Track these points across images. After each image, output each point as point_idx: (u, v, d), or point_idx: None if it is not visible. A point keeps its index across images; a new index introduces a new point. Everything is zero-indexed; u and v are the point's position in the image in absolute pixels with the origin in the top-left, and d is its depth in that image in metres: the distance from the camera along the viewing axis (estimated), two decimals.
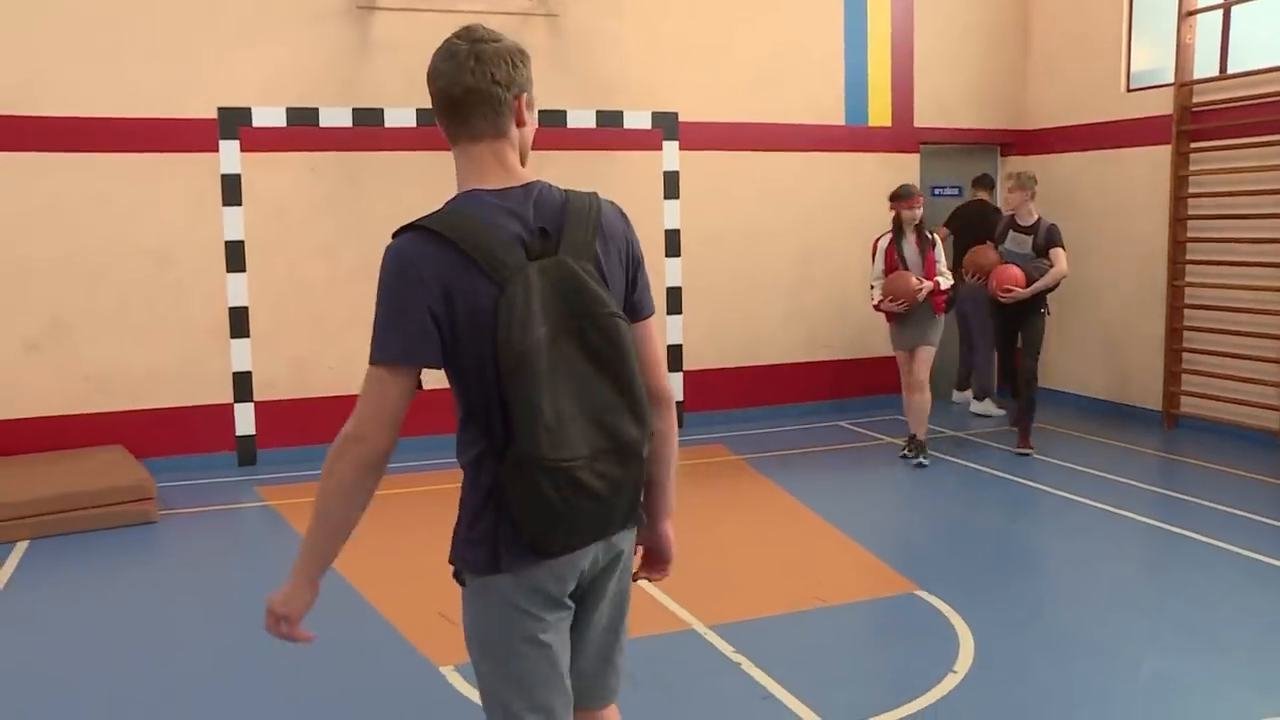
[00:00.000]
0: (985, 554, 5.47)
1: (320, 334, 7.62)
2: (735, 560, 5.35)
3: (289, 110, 7.40)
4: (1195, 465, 7.25)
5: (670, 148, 8.40)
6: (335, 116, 7.51)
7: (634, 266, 2.07)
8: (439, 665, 4.09)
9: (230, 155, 7.29)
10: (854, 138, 8.97)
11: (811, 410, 8.96)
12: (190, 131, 7.18)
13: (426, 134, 7.67)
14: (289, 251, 7.50)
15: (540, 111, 7.85)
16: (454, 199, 2.00)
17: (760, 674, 3.99)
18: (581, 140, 8.14)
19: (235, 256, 7.36)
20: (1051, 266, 7.22)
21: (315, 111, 7.46)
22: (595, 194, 2.06)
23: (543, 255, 1.92)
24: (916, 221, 7.26)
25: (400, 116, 7.63)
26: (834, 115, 8.91)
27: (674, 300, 8.52)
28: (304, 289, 7.55)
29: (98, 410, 7.14)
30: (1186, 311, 8.35)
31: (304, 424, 7.59)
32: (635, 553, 2.23)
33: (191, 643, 4.45)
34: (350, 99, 7.53)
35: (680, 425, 8.61)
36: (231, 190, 7.32)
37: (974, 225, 8.61)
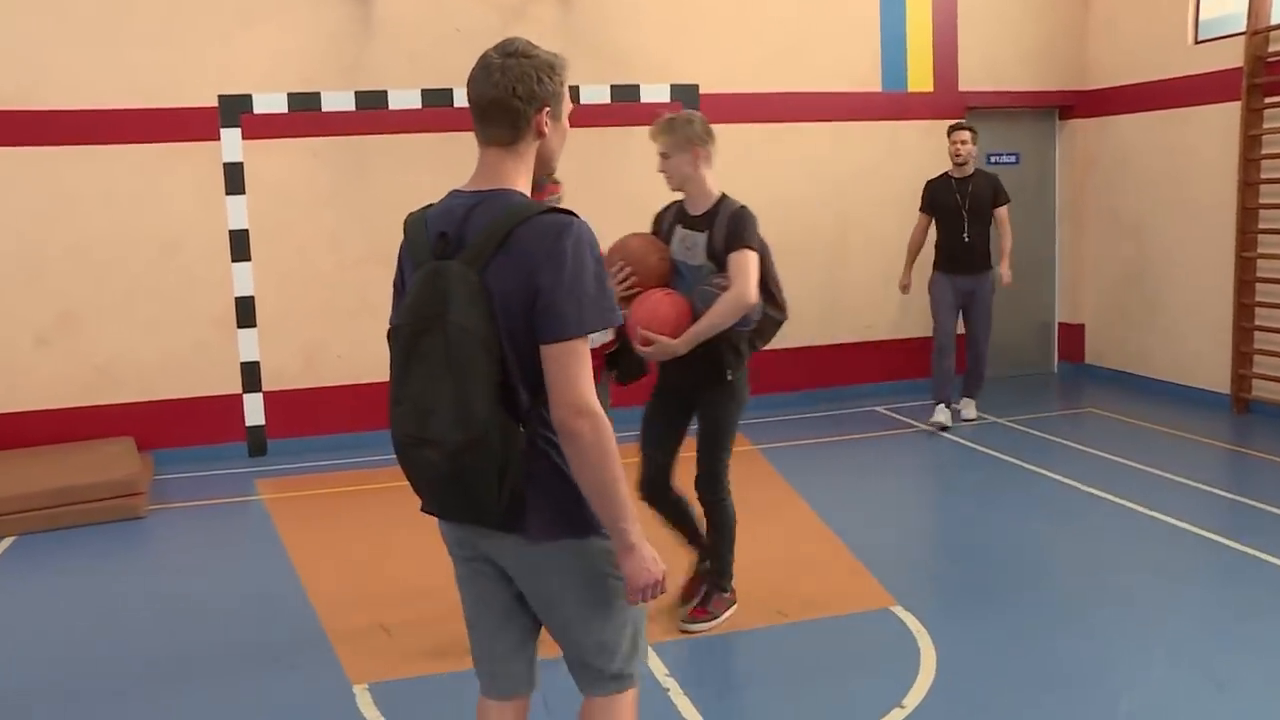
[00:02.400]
0: (986, 564, 4.99)
1: (329, 322, 7.50)
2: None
3: (290, 96, 7.25)
4: (1265, 459, 6.57)
5: None
6: (338, 100, 7.34)
7: (534, 289, 2.07)
8: (354, 683, 3.89)
9: (232, 143, 7.19)
10: (892, 105, 8.43)
11: (846, 394, 8.49)
12: (192, 120, 7.10)
13: (432, 115, 7.46)
14: (294, 239, 7.39)
15: None
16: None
17: (684, 702, 3.67)
18: (595, 116, 7.80)
19: (240, 245, 7.28)
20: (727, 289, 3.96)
21: (317, 96, 7.30)
22: (538, 212, 2.11)
23: (441, 257, 2.12)
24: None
25: (404, 98, 7.42)
26: (870, 81, 8.38)
27: None
28: (311, 277, 7.44)
29: (108, 402, 7.16)
30: (1258, 286, 7.62)
31: (314, 413, 7.51)
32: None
33: (126, 645, 4.35)
34: (353, 82, 7.35)
35: None
36: (234, 179, 7.23)
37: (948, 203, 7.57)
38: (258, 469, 7.19)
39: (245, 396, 7.42)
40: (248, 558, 5.51)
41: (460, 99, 7.46)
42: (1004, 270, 7.42)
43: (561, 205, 2.41)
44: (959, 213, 7.35)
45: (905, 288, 7.67)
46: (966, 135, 7.32)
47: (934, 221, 7.52)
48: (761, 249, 4.05)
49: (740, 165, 8.06)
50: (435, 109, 7.46)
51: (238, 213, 7.26)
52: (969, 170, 7.39)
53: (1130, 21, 8.49)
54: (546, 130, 2.19)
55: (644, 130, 8.19)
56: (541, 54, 2.18)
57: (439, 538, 2.43)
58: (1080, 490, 5.96)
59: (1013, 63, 8.71)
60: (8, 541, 5.80)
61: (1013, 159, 9.06)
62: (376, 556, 5.31)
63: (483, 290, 2.07)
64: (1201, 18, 8.03)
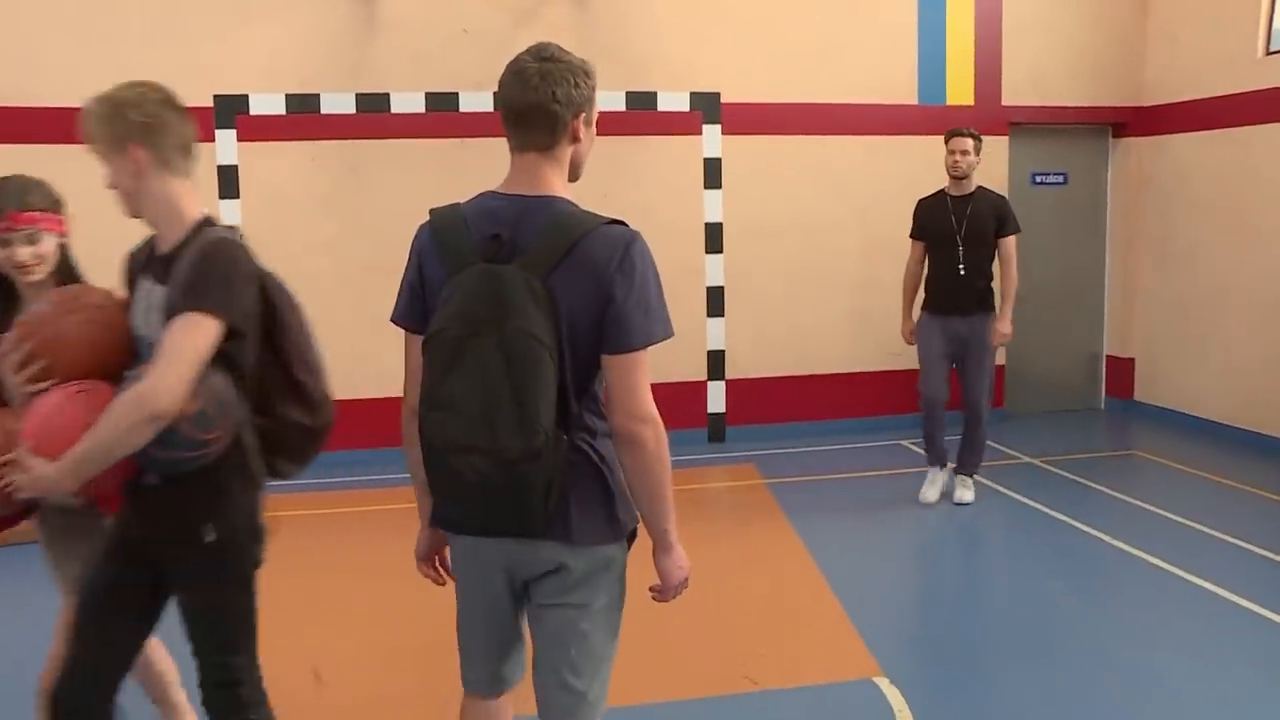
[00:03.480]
0: (989, 630, 4.47)
1: (325, 335, 7.08)
2: (671, 619, 4.54)
3: (288, 96, 6.97)
4: None
5: (711, 132, 7.57)
6: (338, 102, 7.04)
7: (605, 300, 2.08)
8: None
9: (226, 145, 6.93)
10: (929, 119, 7.89)
11: (872, 426, 7.97)
12: None
13: (435, 120, 7.13)
14: (290, 246, 6.99)
15: None
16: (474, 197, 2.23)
17: None
18: (610, 125, 7.24)
19: None
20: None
21: (316, 98, 7.01)
22: (602, 224, 2.13)
23: (494, 260, 2.07)
24: None
25: (407, 101, 7.10)
26: (905, 93, 7.87)
27: (715, 302, 7.71)
28: (306, 286, 6.95)
29: None
30: None
31: None
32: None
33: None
34: (354, 83, 7.04)
35: (720, 440, 7.85)
36: (228, 182, 6.96)
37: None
38: None
39: None
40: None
41: (467, 103, 7.13)
42: (1001, 325, 5.94)
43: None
44: (952, 239, 5.96)
45: (910, 336, 6.23)
46: (968, 144, 5.99)
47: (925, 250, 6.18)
48: (264, 305, 2.54)
49: (763, 181, 7.64)
50: (440, 113, 7.13)
51: (231, 218, 6.98)
52: (969, 187, 6.03)
53: (1193, 32, 7.88)
54: (582, 136, 2.21)
55: (662, 141, 7.92)
56: (574, 59, 2.18)
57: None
58: (1112, 546, 5.38)
59: (1062, 76, 8.14)
60: None
61: (1060, 179, 8.48)
62: (337, 591, 4.95)
63: (549, 297, 2.05)
64: (1274, 27, 7.40)
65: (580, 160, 2.28)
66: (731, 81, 7.57)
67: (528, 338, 2.02)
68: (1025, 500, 6.23)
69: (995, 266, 6.05)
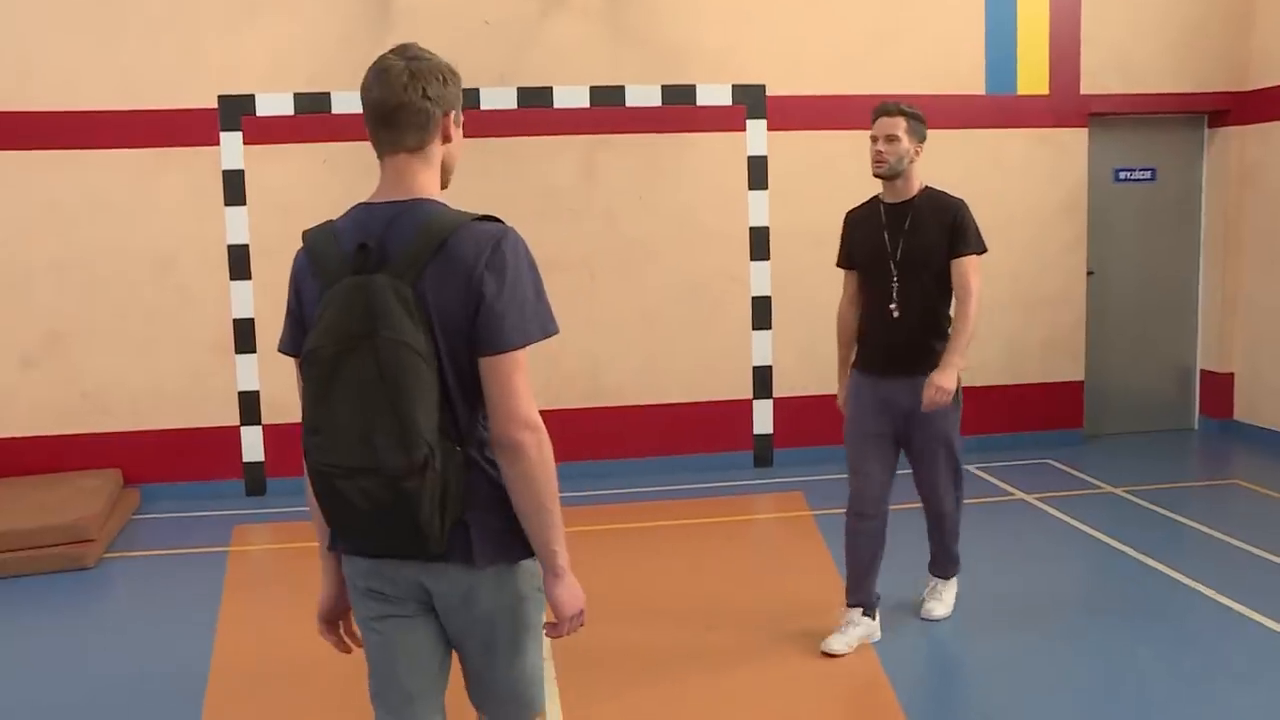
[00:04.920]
0: (1041, 697, 3.77)
1: None
2: (681, 668, 3.94)
3: (297, 96, 6.50)
4: None
5: (756, 128, 6.93)
6: (350, 102, 6.53)
7: (476, 300, 2.00)
8: None
9: (232, 148, 6.49)
10: (998, 110, 7.16)
11: None
12: (188, 123, 6.42)
13: None
14: None
15: (593, 87, 6.46)
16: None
17: None
18: (644, 121, 6.82)
19: (239, 262, 6.55)
20: None
21: (327, 97, 6.53)
22: (471, 220, 2.05)
23: (362, 271, 1.98)
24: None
25: None
26: (970, 83, 7.12)
27: (761, 313, 7.06)
28: None
29: (96, 430, 6.54)
30: None
31: None
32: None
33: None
34: None
35: (768, 464, 7.19)
36: (234, 188, 6.51)
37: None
38: (252, 511, 6.44)
39: (243, 429, 6.68)
40: (171, 624, 4.73)
41: (489, 100, 6.62)
42: (938, 376, 3.97)
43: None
44: (884, 265, 4.10)
45: (844, 405, 4.36)
46: (898, 124, 4.01)
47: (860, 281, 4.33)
48: None
49: (813, 179, 6.97)
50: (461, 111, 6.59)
51: (237, 226, 6.54)
52: (908, 190, 4.11)
53: None
54: (453, 135, 2.16)
55: (701, 138, 7.28)
56: (440, 59, 2.13)
57: None
58: (1213, 601, 4.60)
59: (1151, 59, 7.32)
60: None
61: (1147, 175, 7.66)
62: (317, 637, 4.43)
63: (418, 303, 1.97)
64: None
65: (452, 163, 2.20)
66: (778, 72, 6.92)
67: (399, 346, 1.93)
68: (1106, 539, 5.47)
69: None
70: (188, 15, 6.37)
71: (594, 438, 6.99)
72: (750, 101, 6.90)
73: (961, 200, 4.11)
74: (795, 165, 6.99)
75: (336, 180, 6.61)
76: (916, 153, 4.07)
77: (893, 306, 4.08)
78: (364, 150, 6.86)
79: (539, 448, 2.02)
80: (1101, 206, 7.51)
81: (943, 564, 4.56)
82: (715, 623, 4.54)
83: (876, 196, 4.22)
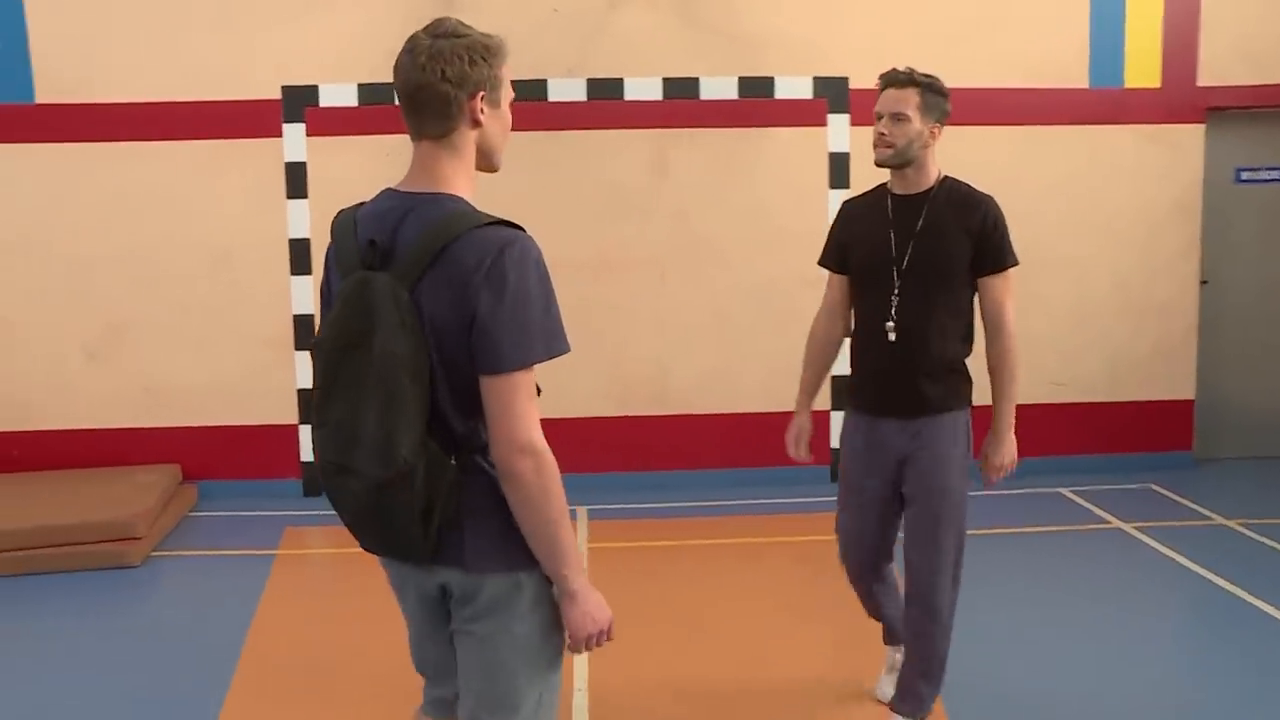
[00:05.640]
0: None
1: None
2: (723, 707, 3.60)
3: (360, 87, 6.33)
4: None
5: (838, 122, 6.52)
6: None
7: (470, 314, 1.88)
8: None
9: (295, 140, 6.35)
10: (1102, 105, 6.60)
11: (1028, 469, 6.64)
12: (250, 114, 6.30)
13: (521, 111, 6.22)
14: None
15: (666, 79, 6.03)
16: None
17: None
18: (719, 115, 6.48)
19: (300, 257, 6.41)
20: None
21: (390, 87, 6.33)
22: (480, 225, 1.90)
23: (371, 267, 1.93)
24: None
25: None
26: (1073, 75, 6.59)
27: None
28: None
29: (156, 424, 6.47)
30: None
31: None
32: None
33: None
34: None
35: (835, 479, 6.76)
36: (296, 180, 6.38)
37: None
38: (307, 511, 6.29)
39: (301, 428, 6.54)
40: (202, 626, 4.60)
41: (557, 92, 6.38)
42: (994, 453, 3.34)
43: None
44: (886, 272, 3.23)
45: (796, 443, 3.55)
46: (908, 98, 3.16)
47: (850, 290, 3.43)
48: None
49: None
50: (526, 103, 6.22)
51: (299, 219, 6.40)
52: (923, 179, 3.26)
53: None
54: (483, 119, 2.00)
55: (779, 134, 6.90)
56: (475, 34, 2.00)
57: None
58: None
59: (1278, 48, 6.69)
60: None
61: (1274, 176, 7.00)
62: (349, 644, 4.23)
63: (413, 310, 1.89)
64: None
65: (490, 148, 2.05)
66: (862, 64, 6.44)
67: (389, 357, 1.88)
68: (1214, 577, 4.93)
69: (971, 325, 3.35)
70: (252, 5, 6.25)
71: (659, 447, 6.68)
72: (832, 94, 6.49)
73: (990, 197, 3.25)
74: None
75: (398, 173, 6.43)
76: (933, 135, 3.19)
77: (889, 325, 3.17)
78: None
79: (537, 473, 1.90)
80: (1219, 209, 6.89)
81: (913, 697, 3.33)
82: (769, 656, 4.19)
83: (884, 185, 3.32)
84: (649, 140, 6.49)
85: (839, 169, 6.55)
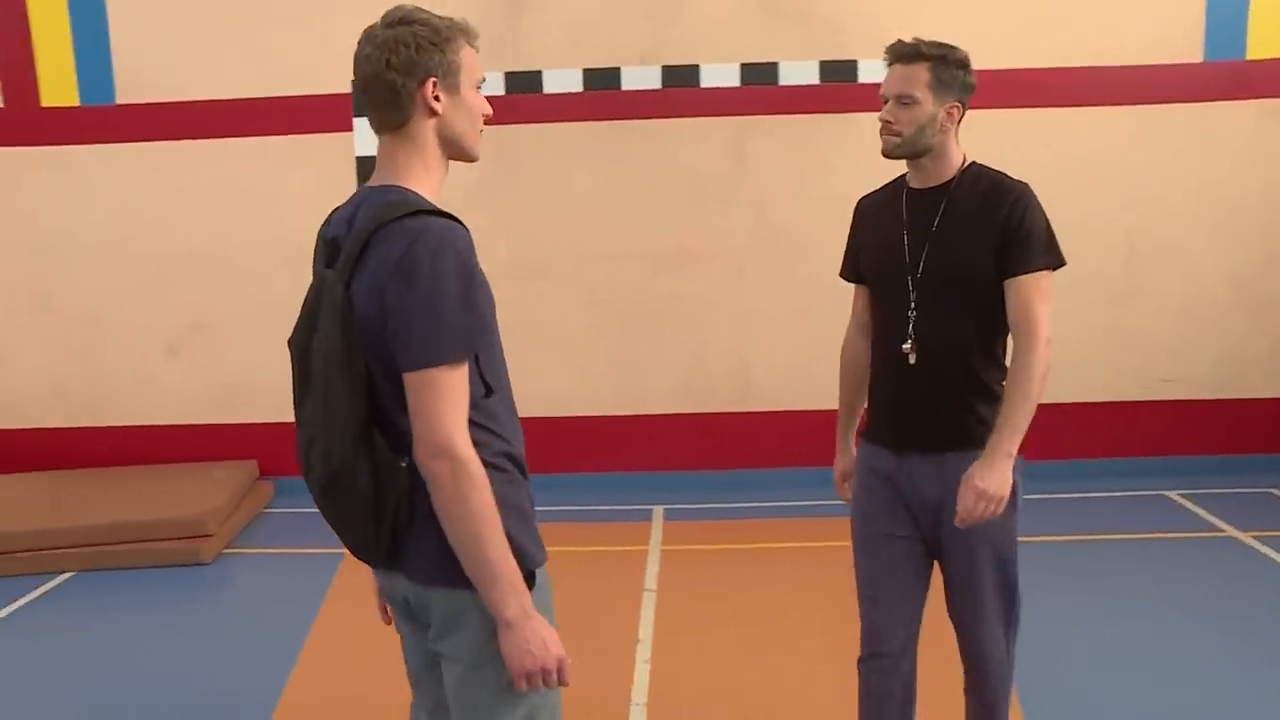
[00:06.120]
0: None
1: None
2: None
3: None
4: None
5: None
6: (484, 83, 6.25)
7: (384, 307, 1.80)
8: None
9: (365, 134, 6.29)
10: (1219, 79, 6.13)
11: (1133, 470, 6.29)
12: (323, 109, 6.29)
13: (594, 100, 6.21)
14: None
15: (744, 65, 5.71)
16: None
17: None
18: (798, 101, 6.22)
19: None
20: None
21: None
22: (404, 215, 1.82)
23: (329, 264, 1.92)
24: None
25: (562, 79, 6.21)
26: (1186, 49, 6.13)
27: None
28: None
29: (235, 421, 6.53)
30: None
31: None
32: None
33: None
34: (500, 61, 6.21)
35: None
36: (366, 175, 6.31)
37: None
38: None
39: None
40: (264, 626, 4.60)
41: (630, 80, 6.21)
42: (979, 477, 2.46)
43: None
44: (899, 275, 2.70)
45: (842, 482, 3.05)
46: (914, 76, 2.63)
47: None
48: None
49: (996, 166, 6.16)
50: (599, 92, 6.19)
51: None
52: (943, 169, 2.69)
53: None
54: (438, 106, 1.92)
55: (864, 119, 6.56)
56: (430, 19, 1.92)
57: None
58: None
59: None
60: (66, 576, 5.22)
61: None
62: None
63: (348, 305, 1.84)
64: None
65: (455, 135, 1.95)
66: (954, 43, 6.15)
67: (324, 354, 1.87)
68: None
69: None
70: (325, 1, 6.22)
71: (740, 445, 6.48)
72: None
73: (1025, 186, 2.64)
74: (975, 148, 6.12)
75: (470, 166, 6.32)
76: (950, 116, 2.63)
77: (907, 347, 2.64)
78: (497, 135, 6.57)
79: (453, 480, 1.77)
80: None
81: None
82: (848, 670, 3.94)
83: (902, 177, 2.79)
84: (726, 128, 6.26)
85: None
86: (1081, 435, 6.32)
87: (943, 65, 2.63)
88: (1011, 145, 6.09)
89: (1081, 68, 6.13)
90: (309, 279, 6.67)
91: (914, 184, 2.71)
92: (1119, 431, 6.37)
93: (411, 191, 1.90)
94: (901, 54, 2.66)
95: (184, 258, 6.40)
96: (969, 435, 2.59)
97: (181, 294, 6.45)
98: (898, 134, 2.61)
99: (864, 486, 2.79)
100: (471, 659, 1.90)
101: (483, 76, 2.01)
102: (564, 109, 6.22)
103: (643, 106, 6.21)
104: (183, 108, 6.30)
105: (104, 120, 6.34)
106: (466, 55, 1.94)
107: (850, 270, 2.93)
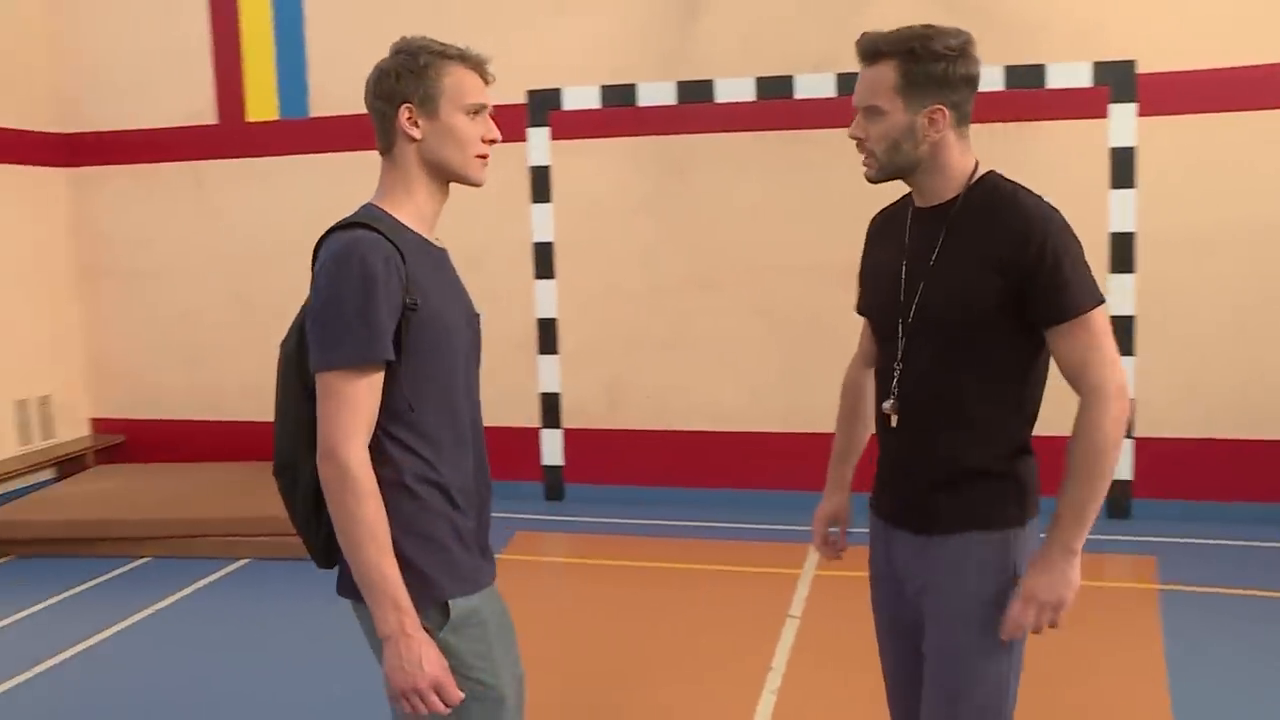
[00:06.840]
0: None
1: (637, 354, 6.44)
2: None
3: (603, 89, 6.28)
4: None
5: (1122, 113, 5.75)
6: (656, 93, 6.22)
7: (309, 313, 1.91)
8: None
9: (539, 144, 6.39)
10: None
11: (1261, 517, 5.65)
12: (499, 119, 6.37)
13: (767, 109, 6.09)
14: (604, 255, 6.41)
15: None
16: None
17: None
18: (983, 108, 5.62)
19: (544, 261, 6.45)
20: None
21: (632, 88, 6.24)
22: (342, 224, 1.93)
23: None
24: None
25: (735, 89, 6.11)
26: None
27: (1122, 335, 5.86)
28: (620, 300, 6.41)
29: None
30: None
31: (615, 459, 6.51)
32: None
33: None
34: (673, 71, 6.18)
35: (1126, 516, 5.97)
36: (541, 184, 6.42)
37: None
38: (544, 516, 6.33)
39: (543, 432, 6.59)
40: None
41: (804, 88, 6.07)
42: (1037, 582, 2.02)
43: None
44: (891, 321, 2.21)
45: (821, 528, 2.56)
46: (878, 81, 2.13)
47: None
48: None
49: (1196, 176, 5.72)
50: (771, 101, 6.07)
51: (543, 223, 6.44)
52: (938, 186, 2.19)
53: None
54: (415, 132, 1.98)
55: (1052, 127, 6.18)
56: (418, 46, 1.99)
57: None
58: None
59: None
60: (242, 563, 5.54)
61: None
62: (539, 656, 4.13)
63: (301, 313, 1.98)
64: None
65: (438, 161, 1.99)
66: (1152, 44, 5.70)
67: (285, 355, 1.99)
68: None
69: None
70: (499, 10, 6.35)
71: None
72: (1116, 81, 5.74)
73: (1048, 207, 2.09)
74: (1173, 158, 5.74)
75: (640, 176, 6.34)
76: (932, 123, 2.12)
77: (888, 406, 2.19)
78: (669, 144, 6.56)
79: (339, 486, 1.81)
80: None
81: None
82: None
83: (907, 197, 2.30)
84: None
85: (1122, 166, 5.79)
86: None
87: (911, 60, 2.08)
88: (1219, 154, 5.67)
89: None
90: (485, 281, 6.81)
91: (917, 202, 2.23)
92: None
93: (377, 209, 1.98)
94: (861, 53, 2.16)
95: None
96: (954, 515, 2.12)
97: None
98: (870, 153, 2.14)
99: (872, 564, 2.39)
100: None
101: (480, 102, 2.01)
102: (736, 118, 6.13)
103: (818, 116, 6.04)
104: (368, 120, 6.55)
105: (299, 132, 6.69)
106: (452, 81, 1.97)
107: (859, 300, 2.44)
